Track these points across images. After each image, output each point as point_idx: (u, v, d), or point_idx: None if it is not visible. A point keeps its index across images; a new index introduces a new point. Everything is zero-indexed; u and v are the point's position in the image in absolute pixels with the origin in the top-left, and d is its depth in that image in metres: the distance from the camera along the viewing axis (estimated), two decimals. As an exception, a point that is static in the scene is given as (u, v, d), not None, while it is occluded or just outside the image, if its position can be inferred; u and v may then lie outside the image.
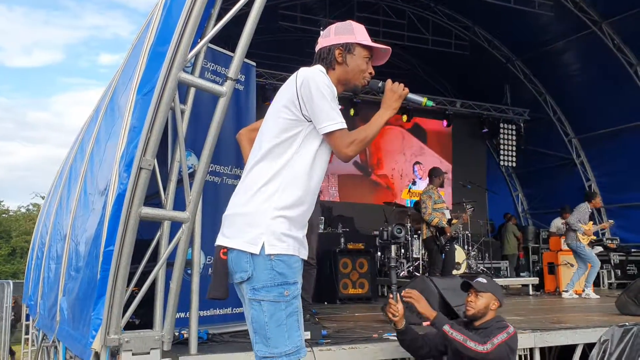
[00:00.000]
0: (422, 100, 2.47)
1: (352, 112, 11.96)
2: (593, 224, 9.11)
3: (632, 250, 12.11)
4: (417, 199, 9.42)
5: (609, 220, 11.51)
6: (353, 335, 4.11)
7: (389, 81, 2.38)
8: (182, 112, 3.20)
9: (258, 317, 2.12)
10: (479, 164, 14.67)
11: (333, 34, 2.38)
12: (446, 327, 3.15)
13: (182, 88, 3.16)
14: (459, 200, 9.78)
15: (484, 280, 3.36)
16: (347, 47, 2.34)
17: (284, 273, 2.12)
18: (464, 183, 11.72)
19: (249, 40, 3.01)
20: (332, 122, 2.17)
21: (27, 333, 10.59)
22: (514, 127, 14.24)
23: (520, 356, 3.96)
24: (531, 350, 4.09)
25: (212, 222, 3.53)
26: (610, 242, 12.15)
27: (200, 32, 3.01)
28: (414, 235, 9.68)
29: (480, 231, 11.74)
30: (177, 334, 3.48)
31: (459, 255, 9.33)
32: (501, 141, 14.23)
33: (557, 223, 11.52)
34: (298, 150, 2.21)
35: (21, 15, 74.12)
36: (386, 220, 10.39)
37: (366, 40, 2.37)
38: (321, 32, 2.48)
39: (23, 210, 32.43)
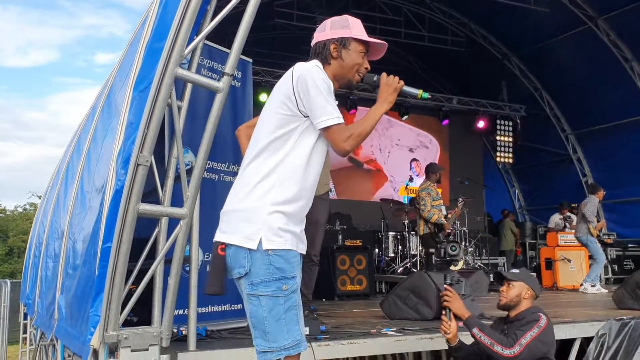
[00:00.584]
0: (418, 92, 2.44)
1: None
2: None
3: (629, 245, 12.18)
4: (414, 195, 9.40)
5: (602, 220, 11.68)
6: (351, 331, 4.10)
7: (384, 74, 2.36)
8: (179, 109, 3.20)
9: (257, 312, 2.13)
10: (476, 161, 14.63)
11: (329, 29, 2.36)
12: (475, 330, 3.06)
13: (179, 84, 3.16)
14: (456, 197, 9.79)
15: (517, 270, 3.31)
16: (343, 42, 2.33)
17: (282, 268, 2.13)
18: (461, 179, 11.73)
19: (245, 35, 3.00)
20: (329, 117, 2.17)
21: (25, 332, 10.55)
22: (510, 124, 14.22)
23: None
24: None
25: (209, 219, 3.54)
26: (607, 237, 12.19)
27: (196, 29, 3.00)
28: (412, 232, 9.69)
29: (478, 227, 11.76)
30: (175, 330, 3.49)
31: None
32: (498, 137, 14.23)
33: (555, 219, 11.55)
34: (295, 146, 2.20)
35: (16, 14, 74.08)
36: (383, 217, 10.39)
37: (362, 34, 2.35)
38: (317, 27, 2.47)
39: (20, 209, 32.30)
